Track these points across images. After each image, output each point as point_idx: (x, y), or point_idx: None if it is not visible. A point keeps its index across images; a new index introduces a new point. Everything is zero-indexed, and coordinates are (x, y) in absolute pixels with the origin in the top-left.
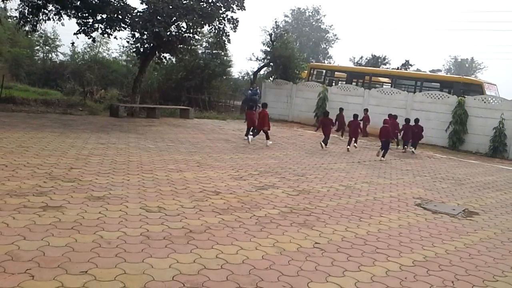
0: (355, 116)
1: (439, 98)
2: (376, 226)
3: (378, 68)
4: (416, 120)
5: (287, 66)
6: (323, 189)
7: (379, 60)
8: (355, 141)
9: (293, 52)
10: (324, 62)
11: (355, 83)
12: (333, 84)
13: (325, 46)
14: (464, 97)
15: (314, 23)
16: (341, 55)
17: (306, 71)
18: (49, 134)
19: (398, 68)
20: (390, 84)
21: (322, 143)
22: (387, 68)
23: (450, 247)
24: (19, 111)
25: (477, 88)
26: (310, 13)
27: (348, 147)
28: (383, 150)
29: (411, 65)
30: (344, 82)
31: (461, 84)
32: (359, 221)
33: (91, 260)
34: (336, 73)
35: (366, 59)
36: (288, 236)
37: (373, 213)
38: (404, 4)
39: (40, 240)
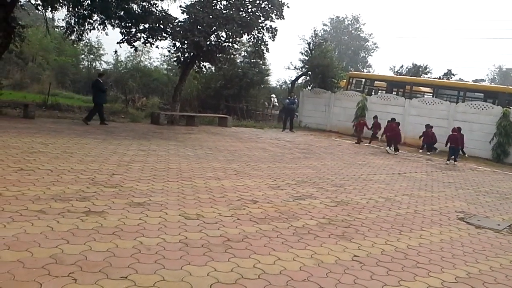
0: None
1: (482, 109)
2: (416, 240)
3: (419, 78)
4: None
5: (326, 75)
6: (362, 200)
7: (420, 69)
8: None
9: (331, 61)
10: (363, 71)
11: (395, 93)
12: (373, 93)
13: (364, 55)
14: (510, 108)
15: (353, 31)
16: (380, 64)
17: (344, 80)
18: (92, 140)
19: (440, 78)
20: (431, 94)
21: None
22: (428, 77)
23: (495, 264)
24: (64, 118)
25: None
26: (349, 22)
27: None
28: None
29: (453, 74)
30: (384, 92)
31: (506, 95)
32: (399, 234)
33: (131, 266)
34: (375, 82)
35: (406, 68)
36: (326, 248)
37: (414, 227)
38: (446, 12)
39: (82, 245)
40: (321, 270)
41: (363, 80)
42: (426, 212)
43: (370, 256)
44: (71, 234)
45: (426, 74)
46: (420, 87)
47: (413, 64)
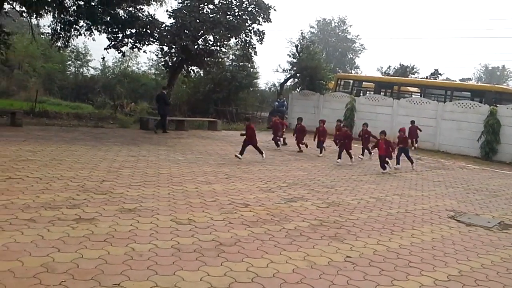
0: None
1: (470, 108)
2: (408, 239)
3: (406, 78)
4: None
5: (314, 77)
6: (353, 201)
7: (408, 70)
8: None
9: (319, 63)
10: (351, 73)
11: (383, 93)
12: (361, 94)
13: (352, 56)
14: (497, 106)
15: (340, 33)
16: (368, 65)
17: (333, 82)
18: (81, 147)
19: (427, 78)
20: (419, 94)
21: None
22: (415, 77)
23: (486, 261)
24: (52, 125)
25: (510, 97)
26: (336, 24)
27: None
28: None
29: (440, 74)
30: (372, 93)
31: (493, 93)
32: (391, 234)
33: (123, 273)
34: (363, 83)
35: (394, 68)
36: (319, 249)
37: (405, 226)
38: (432, 13)
39: (74, 252)
40: (314, 272)
41: (351, 81)
42: (417, 211)
43: (362, 257)
44: (62, 242)
45: (414, 74)
46: (408, 87)
47: (400, 65)
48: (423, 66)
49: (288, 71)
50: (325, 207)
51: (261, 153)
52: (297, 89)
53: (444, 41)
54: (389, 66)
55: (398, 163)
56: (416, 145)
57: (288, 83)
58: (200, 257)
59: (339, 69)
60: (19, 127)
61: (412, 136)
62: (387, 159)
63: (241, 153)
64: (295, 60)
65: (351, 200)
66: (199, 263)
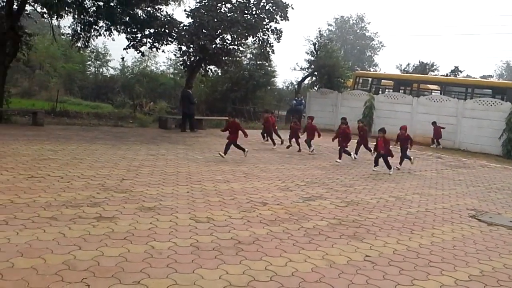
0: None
1: (491, 105)
2: (428, 238)
3: (426, 75)
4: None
5: (332, 75)
6: (373, 200)
7: (427, 67)
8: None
9: (337, 61)
10: (369, 70)
11: (402, 91)
12: (380, 92)
13: (370, 54)
14: None
15: (358, 31)
16: (387, 63)
17: (351, 80)
18: (101, 146)
19: (447, 75)
20: (439, 92)
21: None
22: (435, 75)
23: (508, 261)
24: (73, 124)
25: None
26: (354, 21)
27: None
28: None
29: (460, 71)
30: (391, 90)
31: None
32: (411, 233)
33: (143, 270)
34: (382, 81)
35: (413, 66)
36: (338, 248)
37: (425, 225)
38: (452, 9)
39: (94, 250)
40: (333, 271)
41: (370, 79)
42: (437, 210)
43: (382, 256)
44: (83, 240)
45: (433, 72)
46: (428, 85)
47: (419, 62)
48: (443, 63)
49: (306, 69)
50: (344, 206)
51: (243, 150)
52: (315, 88)
53: (465, 38)
54: (408, 64)
55: (400, 163)
56: (440, 146)
57: (306, 81)
58: (219, 255)
59: (357, 67)
60: (40, 126)
61: (437, 136)
62: (388, 158)
63: (225, 152)
64: (313, 58)
65: (370, 199)
66: (218, 261)
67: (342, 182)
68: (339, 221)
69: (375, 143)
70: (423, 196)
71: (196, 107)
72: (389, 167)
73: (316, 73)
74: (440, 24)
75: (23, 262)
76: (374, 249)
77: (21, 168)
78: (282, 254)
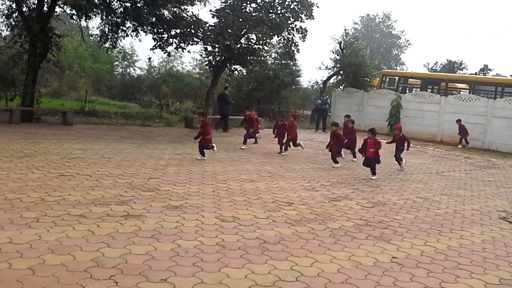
0: None
1: None
2: (457, 240)
3: (454, 74)
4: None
5: (358, 74)
6: (400, 201)
7: (455, 66)
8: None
9: (363, 60)
10: (396, 69)
11: (430, 90)
12: (407, 91)
13: (397, 52)
14: None
15: (384, 29)
16: (414, 61)
17: (377, 79)
18: (128, 145)
19: (476, 74)
20: (468, 90)
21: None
22: (464, 73)
23: None
24: (101, 124)
25: None
26: (380, 19)
27: None
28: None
29: (490, 70)
30: (418, 89)
31: None
32: (439, 235)
33: (170, 268)
34: (409, 80)
35: (441, 64)
36: (364, 249)
37: (454, 227)
38: (481, 5)
39: (122, 248)
40: (360, 272)
41: (397, 78)
42: (466, 211)
43: (409, 258)
44: (111, 237)
45: (462, 70)
46: (456, 84)
47: (447, 60)
48: (472, 62)
49: (331, 68)
50: (370, 206)
51: (212, 147)
52: (340, 87)
53: (494, 36)
54: (436, 62)
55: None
56: (469, 145)
57: (331, 80)
58: (245, 254)
59: (383, 66)
60: (70, 126)
61: (462, 134)
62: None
63: (203, 153)
64: (338, 57)
65: (397, 200)
66: (243, 261)
67: (368, 183)
68: (366, 222)
69: (361, 145)
70: (451, 197)
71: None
72: (373, 172)
73: (341, 72)
74: (469, 22)
75: (54, 258)
76: (401, 251)
77: (51, 167)
78: (308, 255)
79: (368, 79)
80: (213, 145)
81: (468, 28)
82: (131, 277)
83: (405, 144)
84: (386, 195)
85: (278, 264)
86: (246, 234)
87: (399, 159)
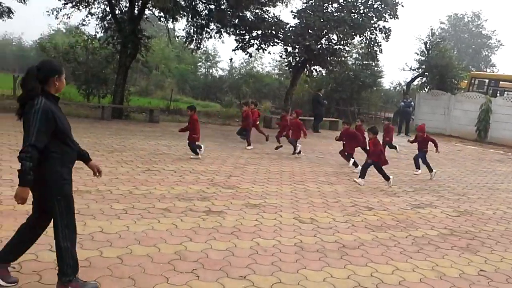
0: None
1: None
2: None
3: None
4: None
5: (444, 75)
6: (488, 211)
7: None
8: None
9: (450, 61)
10: (486, 71)
11: None
12: (498, 94)
13: (487, 53)
14: None
15: (474, 28)
16: (506, 63)
17: (465, 81)
18: (210, 143)
19: None
20: None
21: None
22: None
23: None
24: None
25: None
26: (469, 19)
27: None
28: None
29: None
30: (510, 93)
31: None
32: None
33: (249, 266)
34: (501, 82)
35: None
36: (449, 260)
37: None
38: None
39: (204, 243)
40: (444, 284)
41: (487, 80)
42: None
43: (498, 272)
44: (193, 232)
45: None
46: None
47: None
48: None
49: (416, 70)
50: (456, 215)
51: (200, 148)
52: (425, 89)
53: None
54: None
55: (417, 167)
56: None
57: (416, 82)
58: (323, 257)
59: (472, 67)
60: (156, 123)
61: None
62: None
63: (196, 151)
64: (423, 58)
65: (486, 210)
66: (322, 263)
67: (454, 190)
68: (451, 231)
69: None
70: None
71: (300, 107)
72: (386, 177)
73: (427, 73)
74: None
75: (140, 249)
76: (490, 264)
77: (139, 162)
78: (388, 262)
79: (456, 81)
80: (201, 145)
81: None
82: (212, 272)
83: (432, 145)
84: (473, 204)
85: (358, 270)
86: (324, 237)
87: (416, 163)
